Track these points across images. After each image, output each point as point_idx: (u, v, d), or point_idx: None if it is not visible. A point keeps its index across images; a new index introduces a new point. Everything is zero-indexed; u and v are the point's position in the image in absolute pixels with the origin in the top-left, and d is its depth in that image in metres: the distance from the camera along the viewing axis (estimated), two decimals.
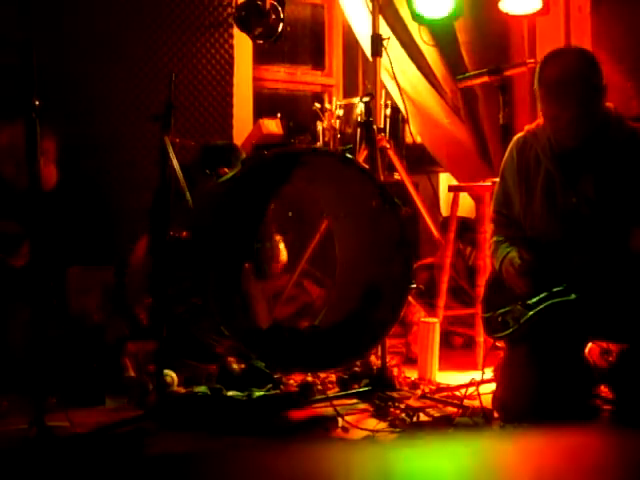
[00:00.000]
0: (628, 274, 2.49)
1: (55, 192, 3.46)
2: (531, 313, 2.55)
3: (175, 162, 2.87)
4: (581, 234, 2.55)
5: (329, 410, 2.94)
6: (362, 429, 2.77)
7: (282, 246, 3.71)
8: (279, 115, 4.10)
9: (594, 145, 2.56)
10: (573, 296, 2.48)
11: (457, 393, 3.13)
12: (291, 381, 3.29)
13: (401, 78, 4.40)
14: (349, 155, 3.18)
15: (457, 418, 2.80)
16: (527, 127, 2.77)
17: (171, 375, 3.10)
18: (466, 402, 2.90)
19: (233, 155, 3.73)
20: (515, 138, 2.79)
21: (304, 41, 5.41)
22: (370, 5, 4.04)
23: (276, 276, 3.82)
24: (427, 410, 2.95)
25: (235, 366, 3.25)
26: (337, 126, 4.21)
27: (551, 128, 2.60)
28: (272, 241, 3.65)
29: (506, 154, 2.80)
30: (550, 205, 2.63)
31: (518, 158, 2.73)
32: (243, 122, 4.63)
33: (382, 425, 2.83)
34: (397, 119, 4.47)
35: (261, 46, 4.65)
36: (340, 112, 4.24)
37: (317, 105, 4.29)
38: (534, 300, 2.56)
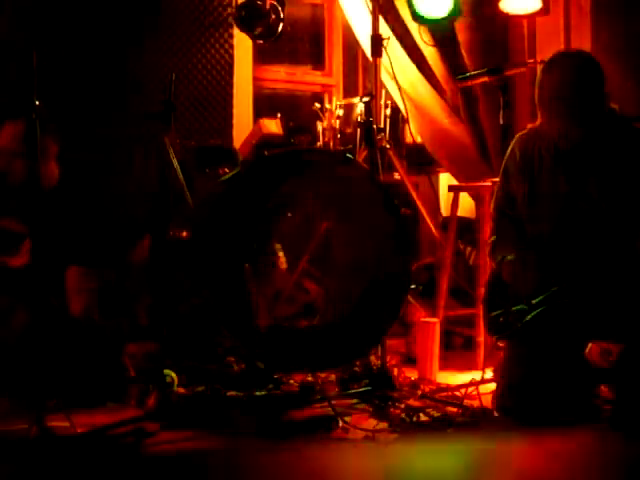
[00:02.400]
0: (629, 274, 2.49)
1: (56, 191, 3.46)
2: (533, 313, 2.55)
3: (175, 162, 2.87)
4: (583, 233, 2.55)
5: (329, 410, 2.94)
6: (362, 429, 2.77)
7: (281, 254, 3.70)
8: (279, 115, 4.09)
9: (598, 145, 2.57)
10: (574, 296, 2.48)
11: (457, 393, 3.13)
12: (291, 381, 3.29)
13: (401, 78, 4.40)
14: (349, 155, 3.19)
15: (457, 418, 2.80)
16: (530, 125, 2.77)
17: (171, 375, 3.10)
18: (466, 402, 2.90)
19: (229, 156, 3.73)
20: (518, 136, 2.79)
21: (304, 41, 5.41)
22: (370, 5, 4.04)
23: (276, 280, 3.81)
24: (427, 410, 2.95)
25: (235, 366, 3.25)
26: (337, 126, 4.20)
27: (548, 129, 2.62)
28: (273, 250, 3.64)
29: (508, 152, 2.80)
30: (553, 204, 2.63)
31: (521, 156, 2.73)
32: (243, 122, 4.63)
33: (382, 425, 2.83)
34: (397, 119, 4.47)
35: (261, 46, 4.65)
36: (340, 112, 4.23)
37: (317, 105, 4.28)
38: (536, 300, 2.56)
